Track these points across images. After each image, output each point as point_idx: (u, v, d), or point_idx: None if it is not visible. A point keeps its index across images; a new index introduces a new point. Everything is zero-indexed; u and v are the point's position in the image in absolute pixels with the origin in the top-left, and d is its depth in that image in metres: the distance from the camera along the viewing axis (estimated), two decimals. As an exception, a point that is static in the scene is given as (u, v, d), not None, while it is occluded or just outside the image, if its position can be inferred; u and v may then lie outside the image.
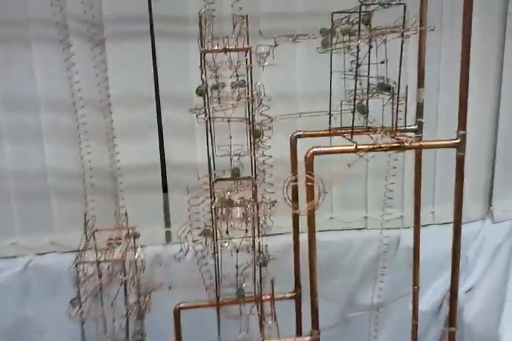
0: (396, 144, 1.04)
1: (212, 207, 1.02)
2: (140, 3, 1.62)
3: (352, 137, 1.11)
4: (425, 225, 1.81)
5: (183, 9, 1.61)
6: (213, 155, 1.17)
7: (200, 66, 1.01)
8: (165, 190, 1.81)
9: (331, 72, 1.24)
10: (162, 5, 1.62)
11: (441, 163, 1.86)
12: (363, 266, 1.93)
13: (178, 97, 1.67)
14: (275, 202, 1.02)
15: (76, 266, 1.02)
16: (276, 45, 1.00)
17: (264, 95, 1.06)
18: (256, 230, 1.07)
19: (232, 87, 1.16)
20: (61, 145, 1.69)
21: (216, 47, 0.98)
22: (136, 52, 1.65)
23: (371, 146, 1.03)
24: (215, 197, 1.05)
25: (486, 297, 1.87)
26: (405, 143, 1.03)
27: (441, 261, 1.88)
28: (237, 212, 1.04)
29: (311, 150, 1.03)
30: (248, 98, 1.01)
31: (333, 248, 1.89)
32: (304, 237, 1.19)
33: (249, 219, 1.04)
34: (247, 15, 1.08)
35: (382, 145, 1.03)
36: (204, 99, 1.03)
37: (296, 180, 1.07)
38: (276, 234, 1.63)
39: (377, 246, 1.87)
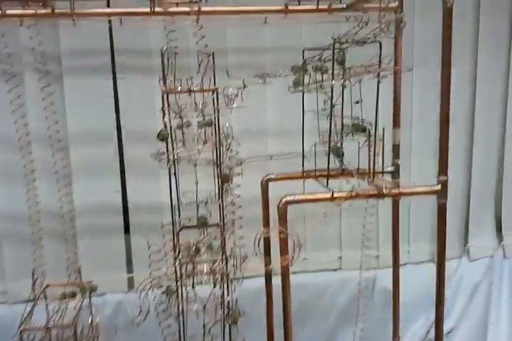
0: (374, 192, 0.96)
1: (176, 264, 0.91)
2: (101, 36, 1.53)
3: (327, 183, 1.03)
4: (402, 264, 1.74)
5: (146, 42, 1.53)
6: (178, 202, 1.08)
7: (162, 108, 0.92)
8: (127, 231, 1.69)
9: (303, 113, 1.18)
10: (124, 37, 1.54)
11: (416, 200, 1.81)
12: (339, 309, 1.84)
13: (141, 134, 1.57)
14: (245, 257, 0.93)
15: (21, 333, 0.89)
16: (244, 86, 0.93)
17: (233, 138, 0.98)
18: (225, 287, 0.97)
19: (199, 127, 1.08)
20: (13, 187, 1.56)
21: (180, 88, 0.90)
22: (97, 87, 1.56)
23: (348, 194, 0.95)
24: (179, 251, 0.94)
25: (466, 340, 1.80)
26: (384, 191, 0.96)
27: (419, 302, 1.82)
28: (204, 267, 0.94)
29: (284, 200, 0.95)
30: (215, 142, 0.92)
31: (307, 290, 1.80)
32: (277, 280, 1.10)
33: (217, 275, 0.93)
34: (213, 53, 1.01)
35: (360, 193, 0.95)
36: (166, 143, 0.94)
37: (268, 232, 0.98)
38: (247, 278, 1.52)
39: (353, 287, 1.80)
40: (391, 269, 1.46)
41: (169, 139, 1.01)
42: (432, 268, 1.91)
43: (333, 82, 0.93)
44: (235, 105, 0.93)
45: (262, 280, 1.32)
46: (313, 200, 0.97)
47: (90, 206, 1.62)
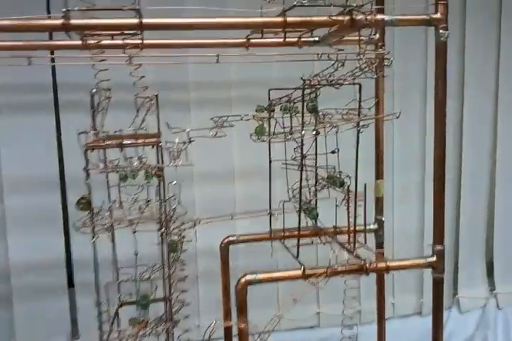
0: (356, 267, 0.77)
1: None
2: (42, 71, 1.34)
3: (298, 252, 0.84)
4: (387, 318, 1.55)
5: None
6: (117, 276, 0.87)
7: (85, 167, 0.72)
8: (71, 291, 1.46)
9: (270, 162, 1.00)
10: (69, 72, 1.34)
11: (400, 249, 1.63)
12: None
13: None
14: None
15: None
16: (190, 141, 0.74)
17: (180, 202, 0.79)
18: None
19: (146, 178, 0.89)
20: None
21: (107, 142, 0.70)
22: (37, 126, 1.36)
23: (324, 272, 0.76)
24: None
25: None
26: (367, 266, 0.77)
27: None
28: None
29: (244, 279, 0.76)
30: (161, 217, 0.73)
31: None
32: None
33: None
34: (157, 96, 0.83)
35: (339, 269, 0.76)
36: (92, 211, 0.74)
37: (229, 322, 0.78)
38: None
39: (333, 347, 1.60)
40: (374, 325, 1.31)
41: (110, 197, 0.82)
42: (419, 321, 1.76)
43: (303, 132, 0.75)
44: (180, 162, 0.74)
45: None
46: (280, 279, 0.78)
47: (28, 262, 1.39)
